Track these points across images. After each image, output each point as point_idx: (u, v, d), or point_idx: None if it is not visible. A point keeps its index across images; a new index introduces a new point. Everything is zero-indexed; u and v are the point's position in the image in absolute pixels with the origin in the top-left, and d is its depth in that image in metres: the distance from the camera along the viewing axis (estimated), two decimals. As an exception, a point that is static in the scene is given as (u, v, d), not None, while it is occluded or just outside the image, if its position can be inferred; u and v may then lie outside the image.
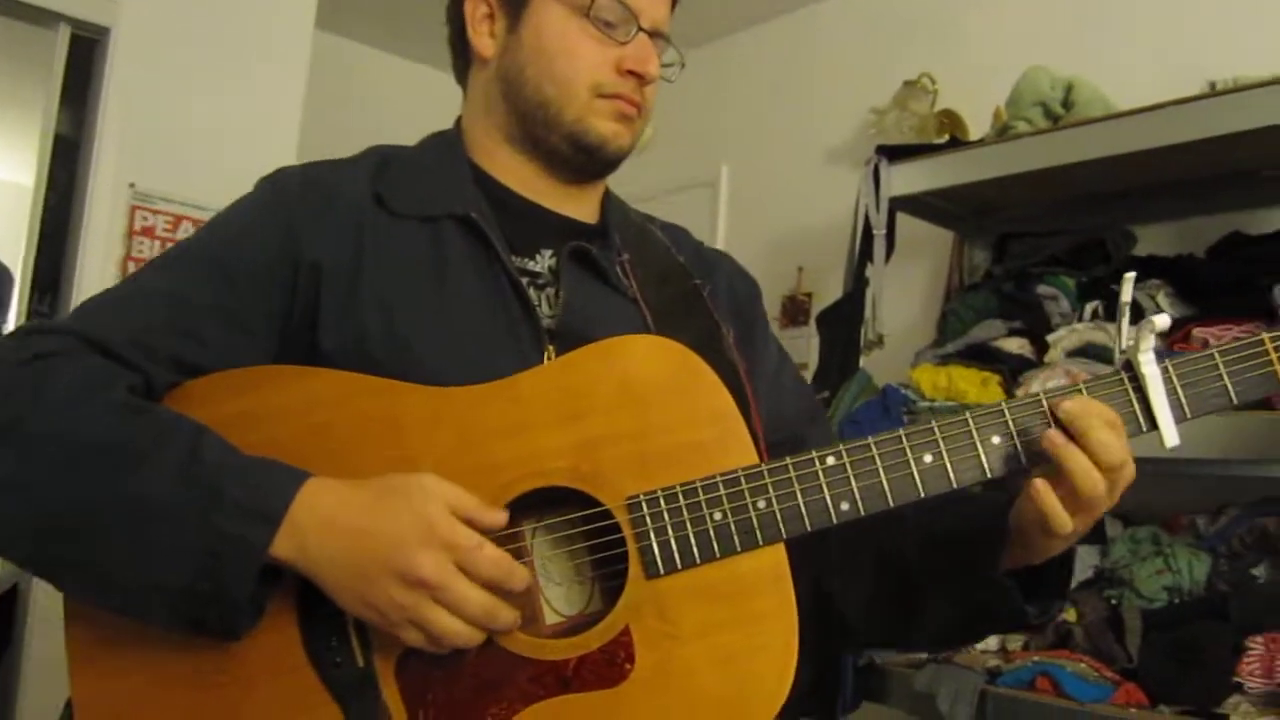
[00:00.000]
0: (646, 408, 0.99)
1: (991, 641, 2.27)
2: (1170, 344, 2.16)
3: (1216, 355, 1.00)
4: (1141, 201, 2.57)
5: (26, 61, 2.71)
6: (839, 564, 1.16)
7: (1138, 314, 2.26)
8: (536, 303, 1.10)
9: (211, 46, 2.89)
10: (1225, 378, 1.00)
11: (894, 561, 1.13)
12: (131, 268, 2.71)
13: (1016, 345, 2.44)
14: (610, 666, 0.95)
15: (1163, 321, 0.99)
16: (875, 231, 2.68)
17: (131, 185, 2.73)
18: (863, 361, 2.72)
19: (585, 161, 1.17)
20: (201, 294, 1.03)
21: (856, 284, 2.73)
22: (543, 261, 1.15)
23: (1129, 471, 0.97)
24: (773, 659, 0.95)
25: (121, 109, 2.74)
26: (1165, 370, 0.99)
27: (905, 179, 2.66)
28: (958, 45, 3.22)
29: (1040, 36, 2.99)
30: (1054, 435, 0.96)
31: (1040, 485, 0.95)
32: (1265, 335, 1.00)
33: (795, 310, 3.55)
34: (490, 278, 1.09)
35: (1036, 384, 2.26)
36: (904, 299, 3.06)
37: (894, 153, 2.71)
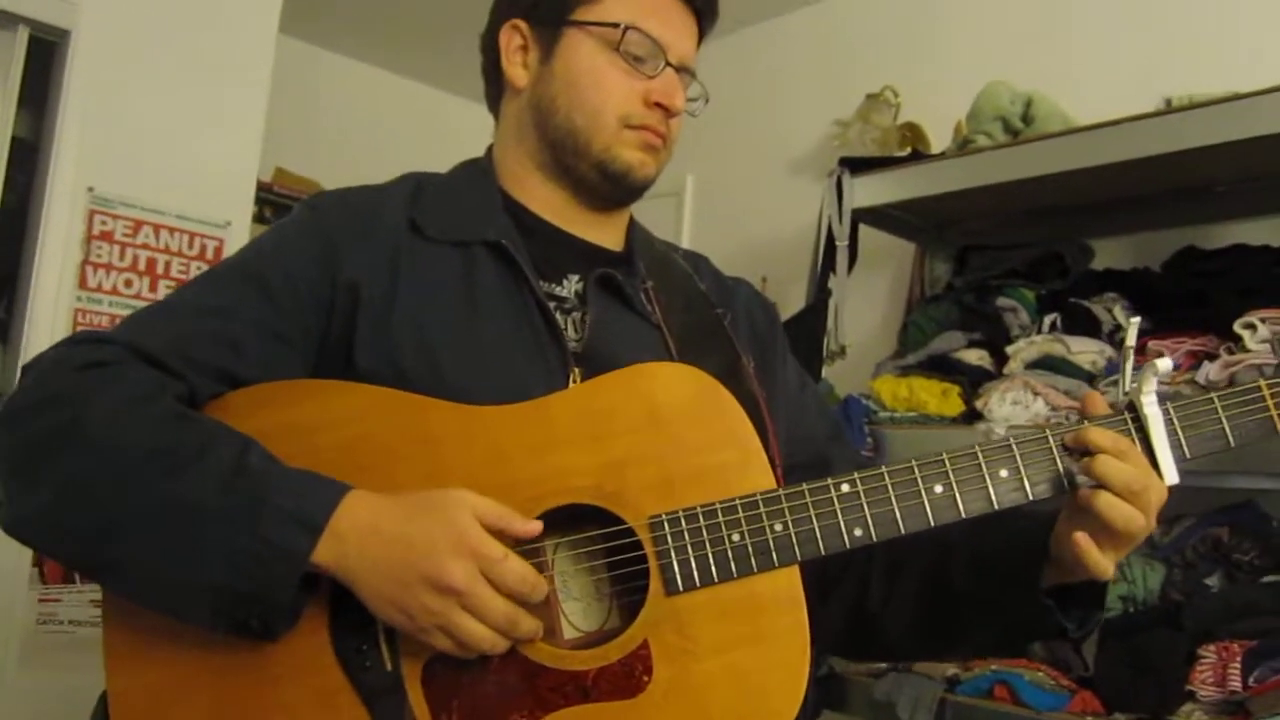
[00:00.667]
0: (670, 431, 1.04)
1: (950, 650, 2.29)
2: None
3: (1216, 400, 1.04)
4: (1099, 215, 2.61)
5: (-16, 63, 2.67)
6: (884, 584, 1.20)
7: (1094, 328, 2.30)
8: (563, 327, 1.14)
9: (173, 51, 2.86)
10: (1224, 421, 1.04)
11: (938, 582, 1.16)
12: (90, 272, 2.68)
13: (976, 357, 2.46)
14: (629, 678, 0.98)
15: (1165, 365, 1.03)
16: (838, 243, 2.70)
17: (90, 189, 2.70)
18: (825, 371, 2.74)
19: (611, 189, 1.22)
20: (244, 309, 1.08)
21: (819, 295, 2.74)
22: (570, 287, 1.20)
23: (1156, 493, 1.01)
24: (785, 677, 0.99)
25: (81, 112, 2.70)
26: (1167, 412, 1.03)
27: (868, 191, 2.68)
28: (921, 59, 3.25)
29: (1001, 51, 3.03)
30: (1082, 489, 1.00)
31: (1082, 540, 0.99)
32: (1263, 383, 1.05)
33: (758, 320, 3.56)
34: (519, 302, 1.14)
35: (995, 395, 2.28)
36: (866, 310, 3.08)
37: (857, 165, 2.73)
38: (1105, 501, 0.98)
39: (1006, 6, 3.10)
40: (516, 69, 1.24)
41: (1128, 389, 1.06)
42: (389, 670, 0.99)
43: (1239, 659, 1.84)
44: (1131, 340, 1.09)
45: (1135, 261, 2.54)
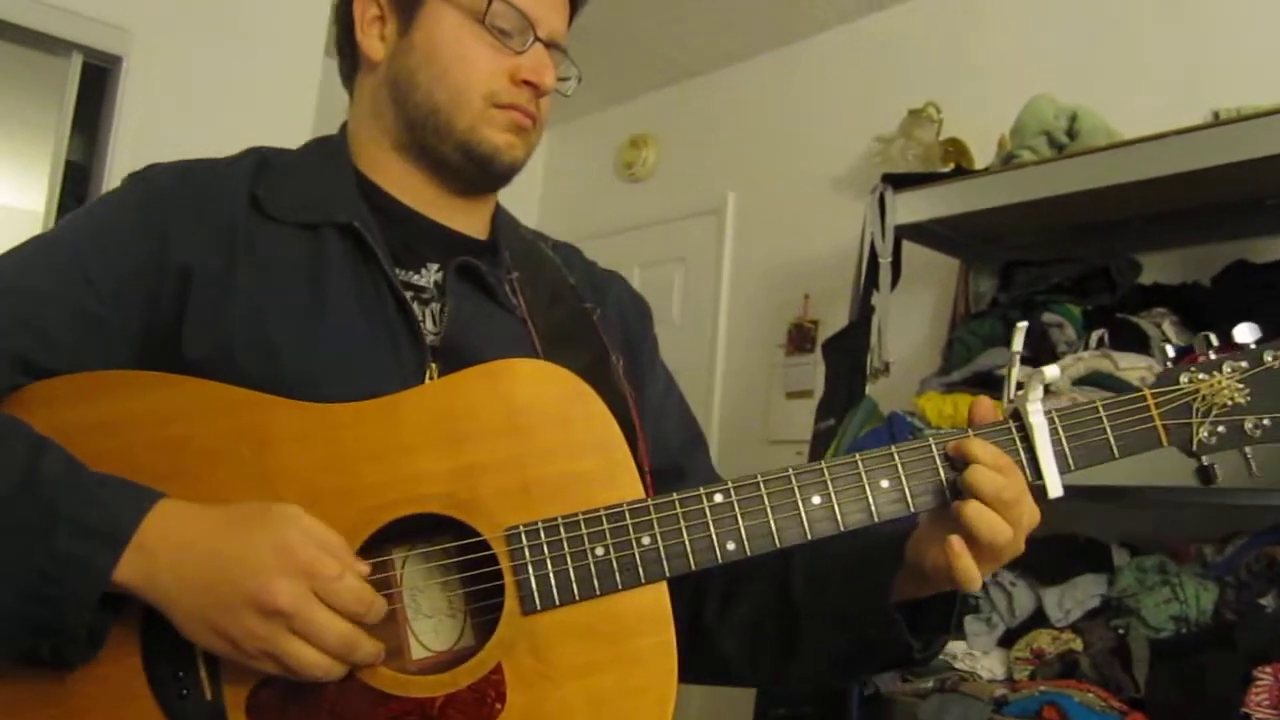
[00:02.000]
0: (530, 434, 0.96)
1: (998, 670, 2.26)
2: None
3: (1100, 408, 1.01)
4: (1146, 230, 2.58)
5: (39, 89, 2.73)
6: (719, 591, 1.13)
7: (1143, 344, 2.27)
8: (420, 318, 1.05)
9: (222, 74, 2.92)
10: (1108, 431, 1.00)
11: (777, 588, 1.10)
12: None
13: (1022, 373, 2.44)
14: (480, 706, 0.90)
15: (1051, 372, 0.99)
16: (881, 259, 2.69)
17: (141, 211, 2.75)
18: (868, 389, 2.72)
19: (477, 173, 1.12)
20: (56, 293, 0.96)
21: (862, 311, 2.73)
22: (428, 276, 1.10)
23: (1027, 513, 0.96)
24: (650, 703, 0.92)
25: (132, 135, 2.76)
26: (1051, 421, 0.99)
27: (910, 207, 2.67)
28: (963, 74, 3.24)
29: (1045, 66, 3.01)
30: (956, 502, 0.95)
31: (956, 543, 0.93)
32: (1148, 391, 1.02)
33: (801, 338, 3.55)
34: (372, 290, 1.04)
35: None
36: (910, 326, 3.06)
37: (899, 181, 2.72)
38: (973, 509, 0.93)
39: (1049, 20, 3.08)
40: (372, 41, 1.13)
41: (1012, 397, 1.01)
42: (208, 700, 0.88)
43: (1295, 681, 1.80)
44: (1018, 345, 1.05)
45: (1184, 276, 2.51)
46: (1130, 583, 2.19)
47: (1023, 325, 1.06)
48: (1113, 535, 2.38)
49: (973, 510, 0.93)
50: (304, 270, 1.03)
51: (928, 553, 0.98)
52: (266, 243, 1.03)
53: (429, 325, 1.06)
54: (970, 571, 0.93)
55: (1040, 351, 2.44)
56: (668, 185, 4.23)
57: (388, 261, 1.05)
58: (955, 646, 2.32)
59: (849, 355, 2.74)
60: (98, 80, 2.81)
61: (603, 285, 1.26)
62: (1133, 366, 2.24)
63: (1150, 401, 1.01)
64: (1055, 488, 0.98)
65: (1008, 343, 2.62)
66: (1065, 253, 2.62)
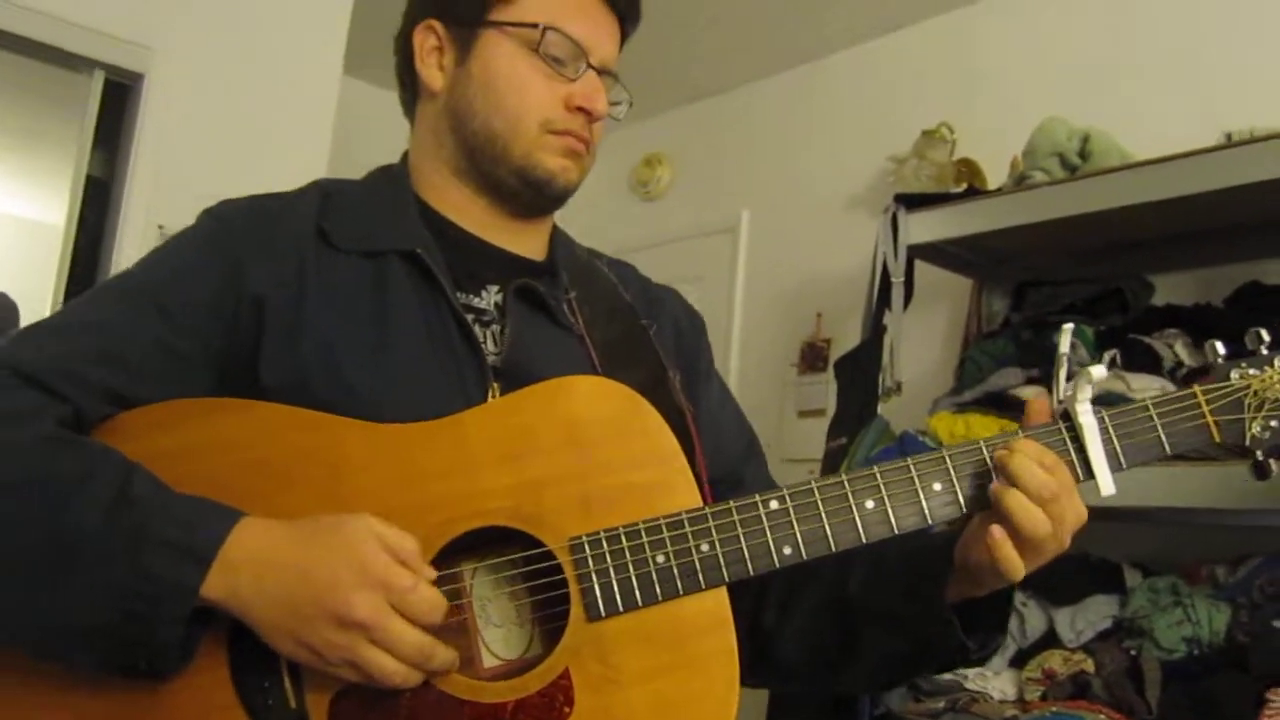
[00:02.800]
0: (590, 448, 0.99)
1: (1010, 691, 2.25)
2: (1189, 393, 2.16)
3: (1151, 407, 1.02)
4: (1159, 251, 2.58)
5: (61, 104, 2.76)
6: (777, 598, 1.15)
7: (1155, 365, 2.27)
8: (482, 340, 1.09)
9: (241, 92, 2.95)
10: (1160, 429, 1.01)
11: (835, 593, 1.12)
12: (158, 307, 2.75)
13: (1034, 393, 2.44)
14: (549, 710, 0.93)
15: (1099, 372, 1.00)
16: (893, 279, 2.70)
17: (160, 227, 2.77)
18: (881, 408, 2.73)
19: (533, 197, 1.16)
20: (138, 326, 1.02)
21: (875, 330, 2.74)
22: (489, 298, 1.14)
23: (1071, 510, 0.97)
24: (713, 706, 0.94)
25: (152, 152, 2.79)
26: (1101, 420, 1.01)
27: (923, 227, 2.68)
28: (976, 95, 3.26)
29: (1057, 87, 3.02)
30: (995, 481, 0.97)
31: (997, 532, 0.95)
32: (1198, 388, 1.02)
33: (814, 356, 3.56)
34: (435, 314, 1.08)
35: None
36: (922, 346, 3.07)
37: (912, 201, 2.73)
38: (1015, 500, 0.95)
39: (1062, 42, 3.09)
40: (432, 71, 1.17)
41: (1061, 398, 1.03)
42: (293, 708, 0.92)
43: (1309, 704, 1.79)
44: (1065, 347, 1.06)
45: (1197, 297, 2.51)
46: (1142, 604, 2.19)
47: (1069, 327, 1.09)
48: (1124, 555, 2.38)
49: (1014, 501, 0.95)
50: (370, 297, 1.07)
51: (973, 551, 1.00)
52: (334, 272, 1.08)
53: (490, 346, 1.10)
54: (1012, 560, 0.95)
55: (1052, 370, 2.44)
56: (682, 204, 4.25)
57: (449, 286, 1.09)
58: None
59: (861, 374, 2.75)
60: (119, 96, 2.84)
61: (658, 301, 1.30)
62: (1145, 387, 2.24)
63: (1201, 398, 1.02)
64: (1107, 486, 1.00)
65: (1020, 362, 2.63)
66: (1078, 273, 2.62)
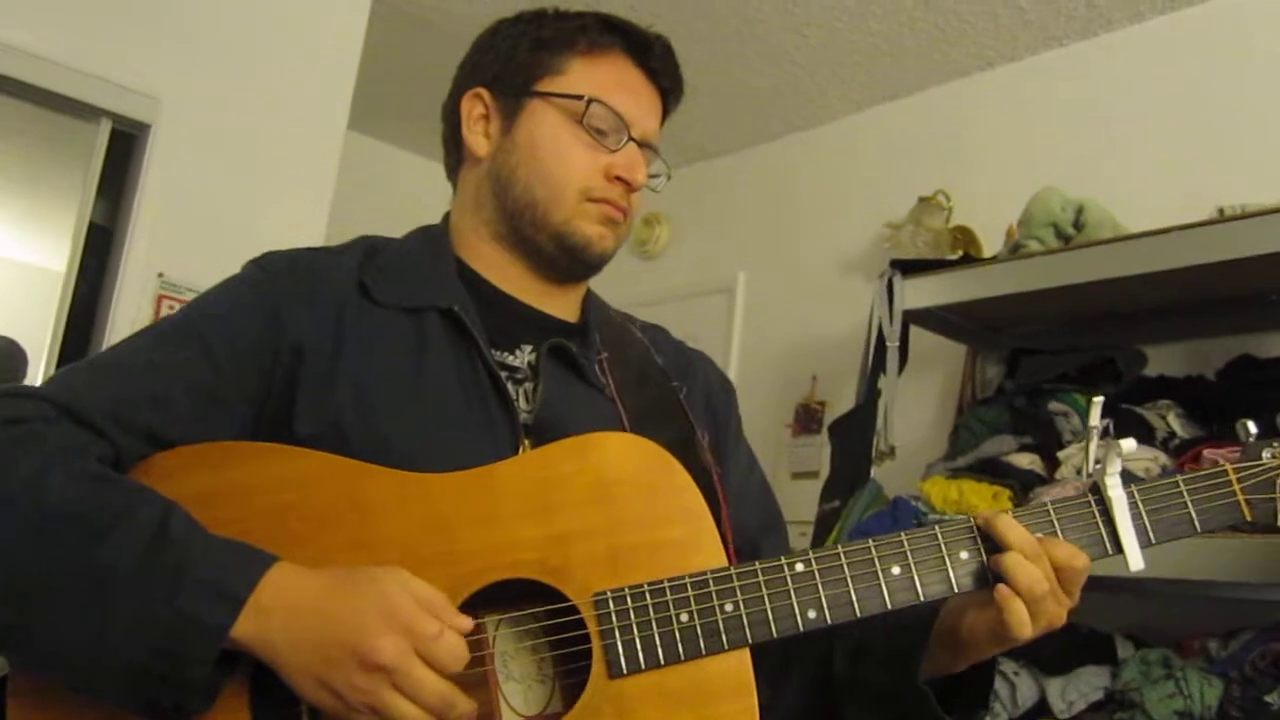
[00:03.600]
0: (619, 504, 1.00)
1: (1000, 761, 2.23)
2: (1181, 464, 2.17)
3: (1181, 484, 1.03)
4: (1152, 322, 2.60)
5: (67, 152, 2.79)
6: (774, 674, 1.14)
7: (1148, 435, 2.28)
8: (515, 397, 1.11)
9: (247, 144, 2.97)
10: (1190, 505, 1.02)
11: (821, 669, 1.12)
12: (155, 355, 2.75)
13: (1027, 461, 2.45)
14: None
15: (1128, 445, 1.02)
16: (889, 343, 2.71)
17: (160, 275, 2.79)
18: (874, 472, 2.73)
19: (570, 262, 1.20)
20: (181, 369, 1.04)
21: (869, 394, 2.75)
22: (523, 357, 1.16)
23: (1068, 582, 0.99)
24: None
25: (156, 201, 2.81)
26: (1131, 495, 1.02)
27: (919, 292, 2.70)
28: (973, 164, 3.29)
29: (1053, 159, 3.06)
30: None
31: (1005, 590, 0.97)
32: (1229, 466, 1.03)
33: (808, 418, 3.56)
34: (469, 370, 1.10)
35: (1047, 500, 2.25)
36: (916, 411, 3.07)
37: (908, 266, 2.75)
38: (1011, 560, 0.98)
39: (1058, 114, 3.14)
40: (477, 138, 1.22)
41: (1091, 470, 1.04)
42: None
43: (1301, 781, 1.78)
44: (1095, 420, 1.08)
45: (1189, 369, 2.53)
46: (1134, 676, 2.17)
47: (1099, 400, 1.11)
48: (1117, 626, 2.37)
49: (1011, 560, 0.97)
50: (407, 351, 1.10)
51: (964, 616, 1.01)
52: (372, 326, 1.11)
53: (522, 403, 1.12)
54: (1021, 614, 0.96)
55: (1047, 439, 2.45)
56: (679, 264, 4.28)
57: (485, 343, 1.12)
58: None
59: (855, 437, 2.75)
60: (125, 145, 2.87)
61: (690, 365, 1.32)
62: (1138, 457, 2.25)
63: (1232, 476, 1.03)
64: (1136, 561, 1.00)
65: (1014, 430, 2.63)
66: (1071, 342, 2.64)
